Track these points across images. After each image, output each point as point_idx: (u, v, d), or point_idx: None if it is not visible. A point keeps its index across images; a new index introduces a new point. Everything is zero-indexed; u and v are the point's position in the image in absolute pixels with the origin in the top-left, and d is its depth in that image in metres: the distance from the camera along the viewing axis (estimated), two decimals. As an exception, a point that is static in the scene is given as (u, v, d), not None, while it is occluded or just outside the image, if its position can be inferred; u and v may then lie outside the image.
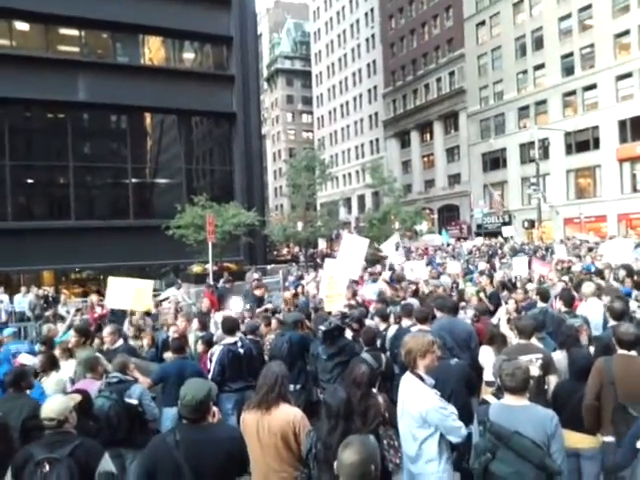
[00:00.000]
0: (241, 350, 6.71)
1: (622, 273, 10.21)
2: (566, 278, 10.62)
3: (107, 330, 7.57)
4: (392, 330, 7.21)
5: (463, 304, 8.96)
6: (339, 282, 9.42)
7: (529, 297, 9.13)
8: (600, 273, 11.44)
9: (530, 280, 11.52)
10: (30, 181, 27.28)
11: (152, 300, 11.14)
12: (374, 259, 24.27)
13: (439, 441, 3.97)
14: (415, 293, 10.32)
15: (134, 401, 5.45)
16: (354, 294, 10.38)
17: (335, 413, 3.62)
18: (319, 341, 6.83)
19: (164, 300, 12.32)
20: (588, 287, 7.81)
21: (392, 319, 7.86)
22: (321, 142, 79.18)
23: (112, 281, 10.31)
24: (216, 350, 6.70)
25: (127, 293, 9.86)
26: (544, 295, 8.05)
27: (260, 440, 3.93)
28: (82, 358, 6.40)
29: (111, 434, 5.26)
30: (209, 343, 7.33)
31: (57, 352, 6.94)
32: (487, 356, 6.00)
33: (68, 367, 6.56)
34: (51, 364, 6.32)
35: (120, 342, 7.43)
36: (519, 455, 3.33)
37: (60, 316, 11.32)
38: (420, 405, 3.93)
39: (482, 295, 9.78)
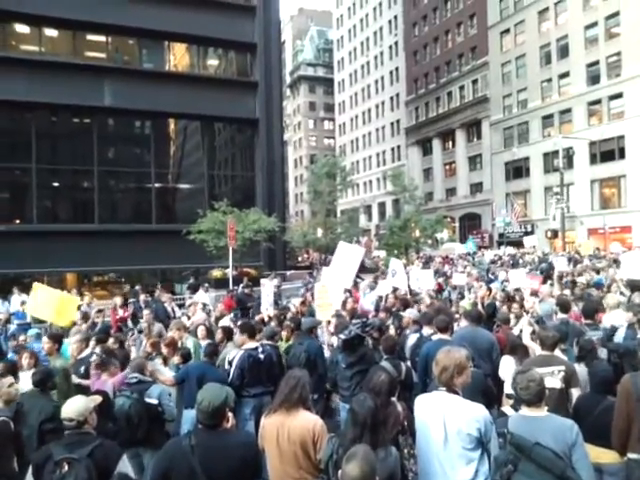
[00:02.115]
0: (261, 355, 6.71)
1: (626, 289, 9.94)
2: (567, 292, 10.31)
3: (75, 338, 7.27)
4: (413, 339, 7.16)
5: (457, 316, 8.77)
6: (329, 291, 9.40)
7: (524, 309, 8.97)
8: (608, 287, 11.12)
9: (535, 293, 11.06)
10: (55, 184, 27.71)
11: (74, 315, 10.40)
12: (374, 268, 24.15)
13: (486, 457, 3.68)
14: (405, 304, 10.11)
15: (154, 401, 5.51)
16: (344, 303, 10.29)
17: (362, 422, 3.58)
18: (338, 349, 6.81)
19: (192, 305, 12.35)
20: (612, 298, 7.65)
21: (392, 330, 7.85)
22: (342, 149, 79.33)
23: (38, 288, 9.87)
24: (237, 355, 6.69)
25: (51, 304, 9.53)
26: (564, 306, 7.90)
27: (279, 447, 3.92)
28: (57, 367, 6.35)
29: (131, 433, 5.33)
30: (186, 358, 7.08)
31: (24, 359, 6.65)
32: (508, 367, 5.91)
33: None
34: (9, 371, 5.73)
35: (88, 351, 7.08)
36: (541, 467, 3.26)
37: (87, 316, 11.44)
38: (475, 421, 3.60)
39: (479, 306, 9.55)
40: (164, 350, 7.32)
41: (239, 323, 8.18)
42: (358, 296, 11.77)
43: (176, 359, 7.07)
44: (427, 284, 13.25)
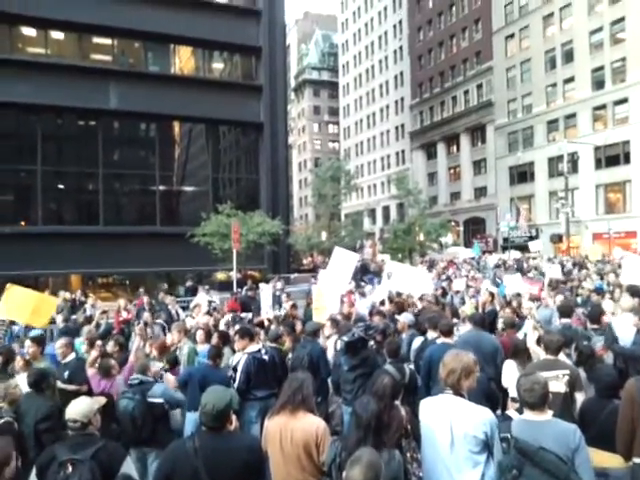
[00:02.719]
0: (265, 357, 6.71)
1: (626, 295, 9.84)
2: (560, 297, 10.15)
3: (60, 342, 7.08)
4: (417, 342, 7.15)
5: (455, 321, 8.68)
6: (325, 295, 9.42)
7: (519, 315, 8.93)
8: (611, 293, 11.00)
9: (537, 299, 10.91)
10: (60, 187, 27.80)
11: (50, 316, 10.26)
12: (379, 271, 24.13)
13: (492, 460, 3.66)
14: (400, 308, 10.09)
15: (159, 400, 5.52)
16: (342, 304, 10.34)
17: (365, 425, 3.58)
18: (341, 352, 6.80)
19: (197, 306, 12.34)
20: (626, 302, 7.58)
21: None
22: (347, 153, 79.42)
23: (12, 290, 9.57)
24: (241, 359, 6.67)
25: (26, 305, 9.33)
26: (565, 311, 7.88)
27: (282, 449, 3.92)
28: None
29: (135, 434, 5.36)
30: (172, 364, 7.05)
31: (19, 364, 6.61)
32: (511, 371, 5.90)
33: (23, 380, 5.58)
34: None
35: (72, 355, 6.92)
36: (545, 471, 3.25)
37: (91, 318, 11.48)
38: (482, 425, 3.60)
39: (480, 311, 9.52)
40: (154, 352, 7.25)
41: (236, 328, 8.14)
42: (353, 300, 11.73)
43: (159, 364, 6.93)
44: (426, 288, 13.07)
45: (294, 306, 10.71)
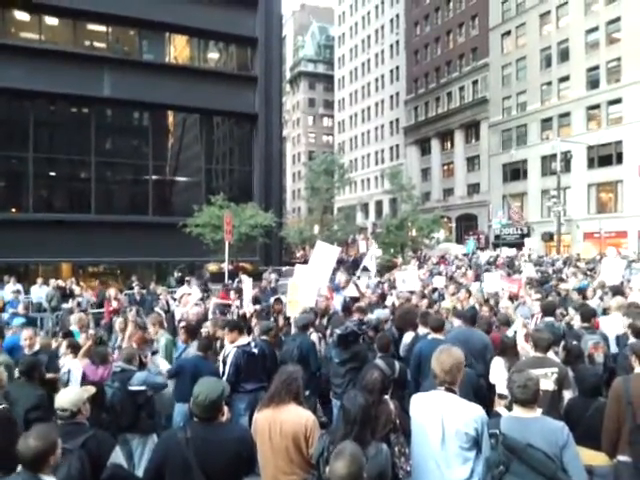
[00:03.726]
0: (255, 350, 6.72)
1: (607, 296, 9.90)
2: (538, 295, 10.16)
3: (25, 334, 7.07)
4: (408, 337, 7.19)
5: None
6: (300, 288, 9.41)
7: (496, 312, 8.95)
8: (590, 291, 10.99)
9: (516, 297, 10.87)
10: (52, 174, 27.58)
11: None
12: (390, 265, 24.21)
13: (481, 457, 3.67)
14: (382, 298, 10.08)
15: (140, 387, 5.57)
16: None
17: (352, 419, 3.60)
18: (333, 344, 6.83)
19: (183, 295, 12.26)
20: (617, 301, 7.65)
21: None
22: (341, 146, 79.32)
23: None
24: (230, 352, 6.68)
25: None
26: (547, 309, 7.93)
27: (271, 441, 3.93)
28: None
29: (116, 420, 5.44)
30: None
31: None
32: (498, 368, 5.94)
33: None
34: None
35: (37, 347, 6.93)
36: (532, 468, 3.29)
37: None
38: (473, 421, 3.61)
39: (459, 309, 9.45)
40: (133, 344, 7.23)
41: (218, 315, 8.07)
42: (332, 295, 11.70)
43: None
44: (413, 285, 13.00)
45: (278, 300, 10.68)
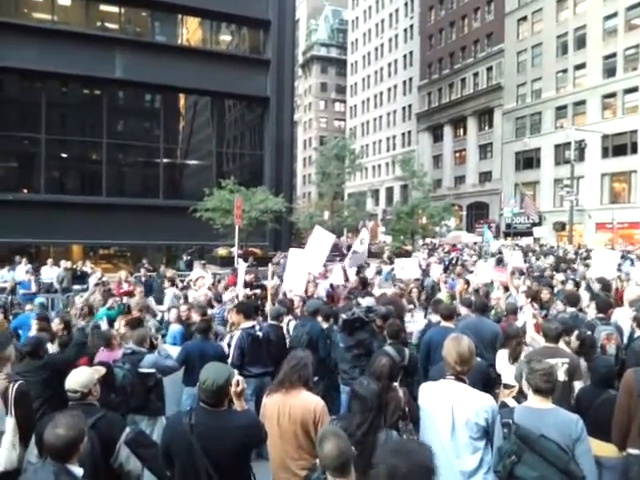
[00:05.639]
0: (259, 333, 6.72)
1: (596, 286, 9.77)
2: (524, 287, 10.01)
3: (56, 322, 7.17)
4: (420, 325, 7.18)
5: (411, 307, 8.71)
6: (289, 273, 9.42)
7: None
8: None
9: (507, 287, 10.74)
10: (64, 155, 27.70)
11: None
12: (400, 253, 24.12)
13: (490, 447, 3.68)
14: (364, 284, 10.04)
15: (150, 370, 5.61)
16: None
17: (369, 406, 3.59)
18: (339, 329, 6.82)
19: (198, 279, 12.28)
20: (632, 292, 7.56)
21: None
22: (352, 132, 78.82)
23: None
24: (234, 335, 6.71)
25: None
26: (571, 300, 7.87)
27: (280, 426, 3.92)
28: None
29: (125, 402, 5.44)
30: None
31: None
32: (504, 359, 5.90)
33: None
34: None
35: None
36: (544, 459, 3.26)
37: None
38: (484, 411, 3.61)
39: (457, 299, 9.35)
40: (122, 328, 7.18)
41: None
42: (318, 282, 11.65)
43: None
44: (412, 273, 12.85)
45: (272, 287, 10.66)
